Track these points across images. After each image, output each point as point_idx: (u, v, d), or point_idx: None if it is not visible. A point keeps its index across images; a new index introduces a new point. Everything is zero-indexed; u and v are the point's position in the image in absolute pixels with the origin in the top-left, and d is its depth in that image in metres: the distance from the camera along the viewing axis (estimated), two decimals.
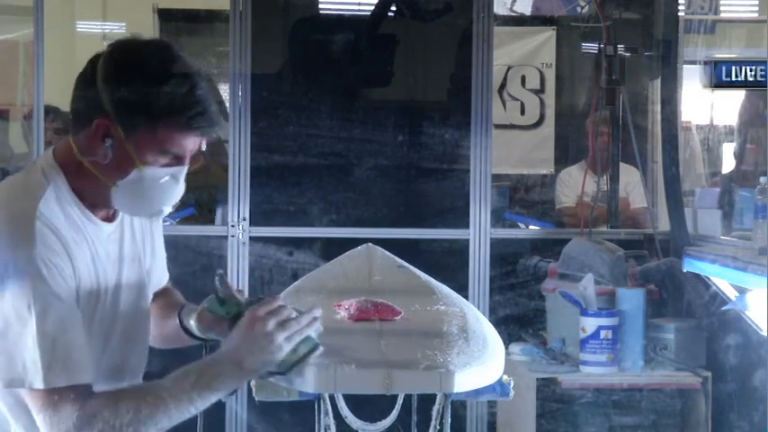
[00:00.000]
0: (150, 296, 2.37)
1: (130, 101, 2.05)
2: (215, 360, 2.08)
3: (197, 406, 2.05)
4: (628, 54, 5.72)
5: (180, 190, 2.18)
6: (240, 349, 2.04)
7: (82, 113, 2.09)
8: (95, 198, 2.14)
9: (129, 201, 2.14)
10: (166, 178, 2.14)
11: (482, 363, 2.14)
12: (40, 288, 1.95)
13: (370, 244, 3.56)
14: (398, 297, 2.61)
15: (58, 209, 2.06)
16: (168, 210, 2.23)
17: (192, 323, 2.33)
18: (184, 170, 2.16)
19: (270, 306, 2.07)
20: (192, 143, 2.15)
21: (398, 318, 2.47)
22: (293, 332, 2.04)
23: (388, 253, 3.41)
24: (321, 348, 2.05)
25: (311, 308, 2.12)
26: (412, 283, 3.02)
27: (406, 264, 3.31)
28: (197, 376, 2.03)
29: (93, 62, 2.10)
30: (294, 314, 2.07)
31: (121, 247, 2.23)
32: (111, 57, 2.10)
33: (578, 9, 6.59)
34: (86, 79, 2.09)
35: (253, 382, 2.50)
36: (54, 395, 1.93)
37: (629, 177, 5.60)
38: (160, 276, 2.50)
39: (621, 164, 5.54)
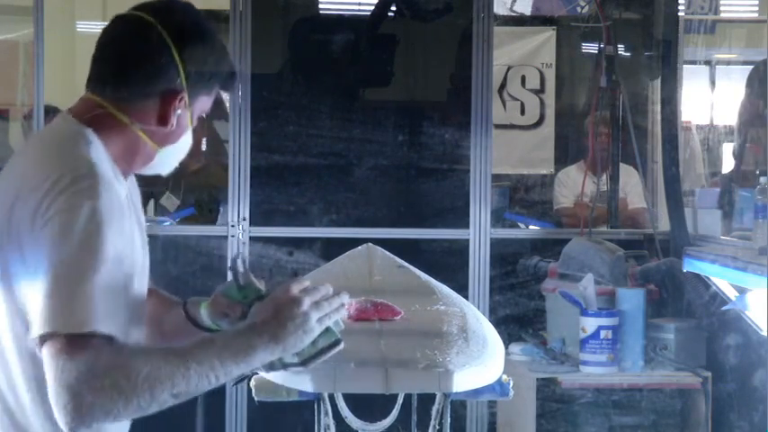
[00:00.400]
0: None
1: (202, 71, 2.07)
2: (245, 331, 1.96)
3: (218, 375, 1.90)
4: (628, 54, 5.73)
5: None
6: (274, 323, 1.94)
7: (138, 83, 2.04)
8: (133, 162, 2.11)
9: (166, 161, 2.15)
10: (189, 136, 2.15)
11: (481, 362, 2.14)
12: (95, 241, 1.88)
13: (370, 244, 3.56)
14: (398, 297, 2.61)
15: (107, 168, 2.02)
16: None
17: (201, 311, 2.20)
18: None
19: (302, 285, 1.99)
20: None
21: (398, 318, 2.46)
22: (325, 314, 1.96)
23: (388, 253, 3.41)
24: (342, 344, 1.95)
25: (339, 292, 2.02)
26: (412, 283, 3.02)
27: (406, 264, 3.30)
28: (223, 344, 1.92)
29: (140, 30, 2.04)
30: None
31: (130, 212, 2.09)
32: (176, 27, 2.05)
33: (578, 9, 6.59)
34: (147, 49, 2.03)
35: (252, 383, 2.50)
36: (77, 340, 1.82)
37: (628, 178, 5.60)
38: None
39: (620, 164, 5.54)
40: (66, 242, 1.87)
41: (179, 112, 2.07)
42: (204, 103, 2.13)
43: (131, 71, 2.05)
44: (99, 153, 2.01)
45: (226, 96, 6.25)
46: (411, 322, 2.44)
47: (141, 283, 2.14)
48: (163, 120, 2.06)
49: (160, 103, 2.05)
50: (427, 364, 2.03)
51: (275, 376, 2.15)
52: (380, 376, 1.98)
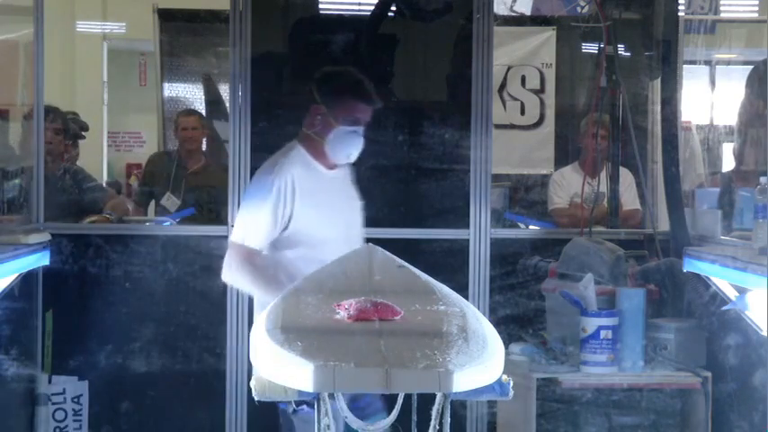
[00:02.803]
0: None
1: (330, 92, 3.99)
2: None
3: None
4: (628, 54, 5.73)
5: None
6: None
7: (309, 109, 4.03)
8: (322, 155, 3.95)
9: (334, 150, 3.93)
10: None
11: (481, 362, 2.14)
12: (272, 198, 3.76)
13: (370, 244, 3.57)
14: (398, 297, 2.61)
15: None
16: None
17: None
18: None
19: None
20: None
21: (398, 318, 2.46)
22: None
23: (388, 253, 3.41)
24: None
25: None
26: (412, 283, 3.01)
27: (406, 264, 3.30)
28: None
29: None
30: None
31: (314, 187, 3.86)
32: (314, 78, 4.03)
33: (578, 9, 6.60)
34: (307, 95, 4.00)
35: (252, 383, 2.50)
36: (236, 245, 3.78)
37: (622, 179, 5.59)
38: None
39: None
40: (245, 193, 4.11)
41: (319, 117, 3.88)
42: (340, 111, 3.89)
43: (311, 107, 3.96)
44: (294, 155, 3.89)
45: (225, 96, 6.27)
46: (411, 322, 2.44)
47: (349, 231, 3.97)
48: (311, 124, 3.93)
49: (311, 115, 3.93)
50: (427, 364, 2.03)
51: (276, 376, 2.15)
52: (381, 376, 1.98)
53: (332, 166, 3.95)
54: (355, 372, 2.00)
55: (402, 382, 2.01)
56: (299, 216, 3.78)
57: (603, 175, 5.48)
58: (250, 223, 3.78)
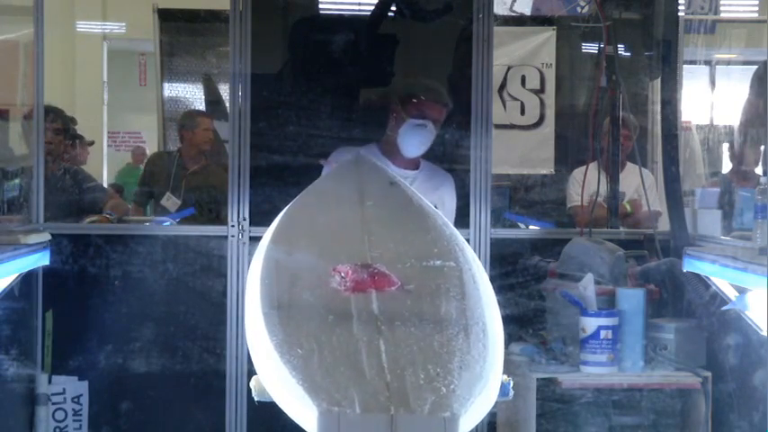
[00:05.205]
0: None
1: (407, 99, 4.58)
2: None
3: None
4: (628, 54, 5.73)
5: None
6: None
7: None
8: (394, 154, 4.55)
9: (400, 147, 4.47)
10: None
11: (484, 383, 2.13)
12: None
13: (360, 153, 3.59)
14: (393, 240, 2.60)
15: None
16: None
17: None
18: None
19: None
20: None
21: (395, 288, 2.44)
22: None
23: (379, 165, 3.37)
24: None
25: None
26: (405, 213, 2.96)
27: (398, 179, 3.26)
28: None
29: None
30: None
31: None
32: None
33: (578, 9, 6.60)
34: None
35: (252, 383, 2.50)
36: None
37: (644, 179, 5.56)
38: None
39: (635, 165, 5.53)
40: None
41: (394, 116, 4.48)
42: (411, 107, 4.48)
43: None
44: (365, 150, 4.36)
45: (225, 96, 6.27)
46: (409, 305, 2.41)
47: None
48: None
49: (390, 116, 4.55)
50: (433, 402, 2.03)
51: (278, 400, 2.17)
52: (386, 424, 1.99)
53: (408, 166, 4.50)
54: (360, 419, 2.00)
55: (407, 428, 2.01)
56: None
57: (623, 174, 5.47)
58: None
